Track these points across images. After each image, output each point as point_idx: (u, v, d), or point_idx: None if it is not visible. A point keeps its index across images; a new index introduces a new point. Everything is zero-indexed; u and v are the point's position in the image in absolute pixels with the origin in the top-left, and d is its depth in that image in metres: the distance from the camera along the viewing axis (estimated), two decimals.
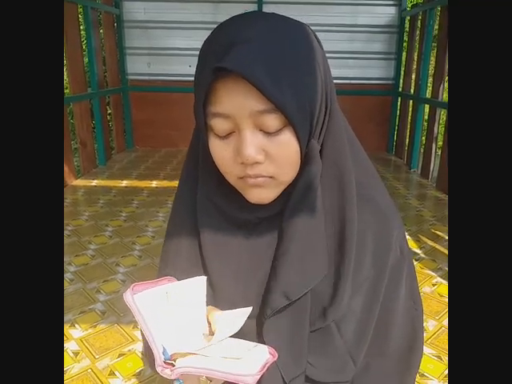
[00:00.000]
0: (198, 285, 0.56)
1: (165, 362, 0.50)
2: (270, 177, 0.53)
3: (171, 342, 0.52)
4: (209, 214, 0.61)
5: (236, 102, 0.49)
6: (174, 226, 0.67)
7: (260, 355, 0.52)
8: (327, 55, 0.55)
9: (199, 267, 0.62)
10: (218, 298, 0.59)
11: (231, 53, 0.47)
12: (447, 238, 2.82)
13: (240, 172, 0.53)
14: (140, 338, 1.80)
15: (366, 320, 0.62)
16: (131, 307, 0.52)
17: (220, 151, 0.54)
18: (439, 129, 4.30)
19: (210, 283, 0.60)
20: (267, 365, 0.51)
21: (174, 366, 0.50)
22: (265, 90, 0.47)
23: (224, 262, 0.61)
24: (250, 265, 0.60)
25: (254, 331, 0.59)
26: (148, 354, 0.72)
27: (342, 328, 0.61)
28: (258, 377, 0.49)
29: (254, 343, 0.54)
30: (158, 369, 0.50)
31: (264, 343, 0.56)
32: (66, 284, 2.20)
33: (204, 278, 0.56)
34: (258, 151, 0.51)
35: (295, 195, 0.56)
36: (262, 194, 0.55)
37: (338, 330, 0.60)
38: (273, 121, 0.49)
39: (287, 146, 0.52)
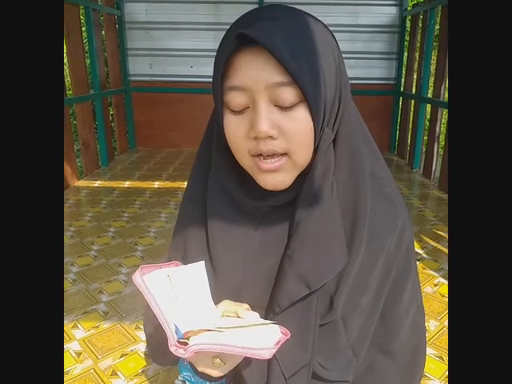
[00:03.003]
0: (197, 270, 0.57)
1: (178, 341, 0.50)
2: (284, 154, 0.54)
3: (183, 322, 0.52)
4: (219, 201, 0.61)
5: (253, 74, 0.51)
6: (185, 212, 0.67)
7: (272, 333, 0.52)
8: None
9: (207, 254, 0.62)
10: (221, 286, 0.59)
11: (254, 25, 0.50)
12: None
13: (253, 148, 0.54)
14: (142, 338, 1.81)
15: (371, 317, 0.62)
16: (141, 287, 0.52)
17: (234, 127, 0.54)
18: (441, 128, 4.29)
19: (213, 271, 0.60)
20: (281, 342, 0.51)
21: (187, 344, 0.49)
22: (283, 60, 0.48)
23: (230, 250, 0.61)
24: (258, 254, 0.60)
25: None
26: (151, 344, 0.72)
27: (349, 324, 0.61)
28: (275, 351, 0.49)
29: (265, 321, 0.54)
30: (172, 348, 0.49)
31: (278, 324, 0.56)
32: (68, 285, 2.21)
33: (202, 263, 0.57)
34: (273, 126, 0.52)
35: (309, 182, 0.56)
36: (277, 179, 0.55)
37: (345, 325, 0.61)
38: (288, 94, 0.51)
39: (301, 122, 0.52)
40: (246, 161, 0.56)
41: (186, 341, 0.49)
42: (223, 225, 0.60)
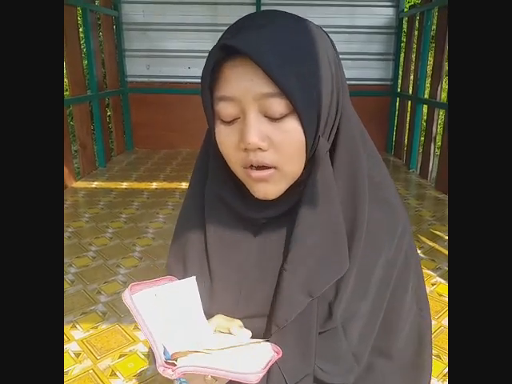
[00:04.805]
0: (189, 285, 0.56)
1: (166, 362, 0.49)
2: (274, 167, 0.52)
3: (172, 342, 0.52)
4: (216, 210, 0.60)
5: (242, 85, 0.49)
6: (184, 218, 0.66)
7: (264, 352, 0.52)
8: None
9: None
10: (219, 298, 0.59)
11: (240, 34, 0.48)
12: (446, 237, 2.83)
13: (243, 159, 0.53)
14: (141, 338, 1.81)
15: (372, 322, 0.61)
16: (130, 307, 0.52)
17: (225, 137, 0.53)
18: (438, 129, 4.32)
19: (211, 281, 0.59)
20: (271, 362, 0.50)
21: (175, 365, 0.49)
22: (270, 71, 0.47)
23: (228, 261, 0.60)
24: (256, 265, 0.59)
25: (262, 330, 0.58)
26: (151, 353, 0.72)
27: (348, 330, 0.60)
28: (262, 375, 0.48)
29: (256, 340, 0.54)
30: (160, 369, 0.49)
31: (270, 342, 0.55)
32: (66, 285, 2.21)
33: (193, 279, 0.56)
34: (262, 137, 0.50)
35: (307, 192, 0.55)
36: (268, 189, 0.54)
37: (345, 332, 0.60)
38: (278, 106, 0.49)
39: (291, 134, 0.51)
40: (238, 171, 0.55)
41: (174, 362, 0.49)
42: (220, 235, 0.60)
